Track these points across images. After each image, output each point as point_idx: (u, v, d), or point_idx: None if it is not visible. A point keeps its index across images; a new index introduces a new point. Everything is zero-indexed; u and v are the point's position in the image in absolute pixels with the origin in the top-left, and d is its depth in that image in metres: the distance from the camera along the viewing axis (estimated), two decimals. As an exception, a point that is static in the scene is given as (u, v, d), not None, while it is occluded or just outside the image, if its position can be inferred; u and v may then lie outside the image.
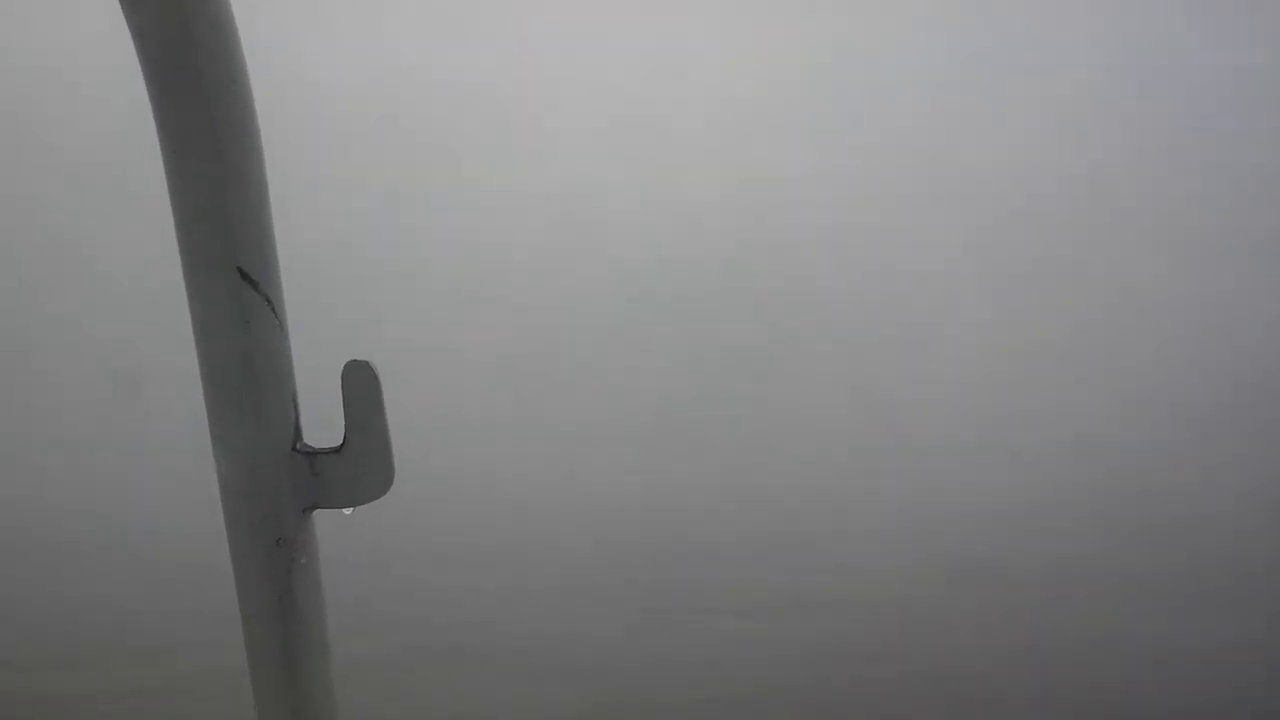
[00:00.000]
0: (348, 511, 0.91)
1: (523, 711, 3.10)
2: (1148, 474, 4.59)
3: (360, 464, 0.89)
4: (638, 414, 4.91)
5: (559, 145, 7.89)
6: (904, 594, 3.76)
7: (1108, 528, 4.23)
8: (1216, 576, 3.96)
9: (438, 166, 7.46)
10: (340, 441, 0.90)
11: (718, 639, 3.35)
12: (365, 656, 3.21)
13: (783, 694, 3.23)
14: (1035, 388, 5.20)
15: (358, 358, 0.90)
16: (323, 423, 0.94)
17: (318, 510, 0.91)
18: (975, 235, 6.73)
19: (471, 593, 3.63)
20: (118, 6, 0.84)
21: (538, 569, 3.87)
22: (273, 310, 0.87)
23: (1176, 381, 5.39)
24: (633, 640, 3.44)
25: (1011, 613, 3.61)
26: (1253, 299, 6.29)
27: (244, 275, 0.86)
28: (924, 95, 8.00)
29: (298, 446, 0.90)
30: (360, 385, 0.89)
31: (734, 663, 3.30)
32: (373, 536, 4.00)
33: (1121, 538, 4.14)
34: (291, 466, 0.89)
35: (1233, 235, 7.03)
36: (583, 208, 6.96)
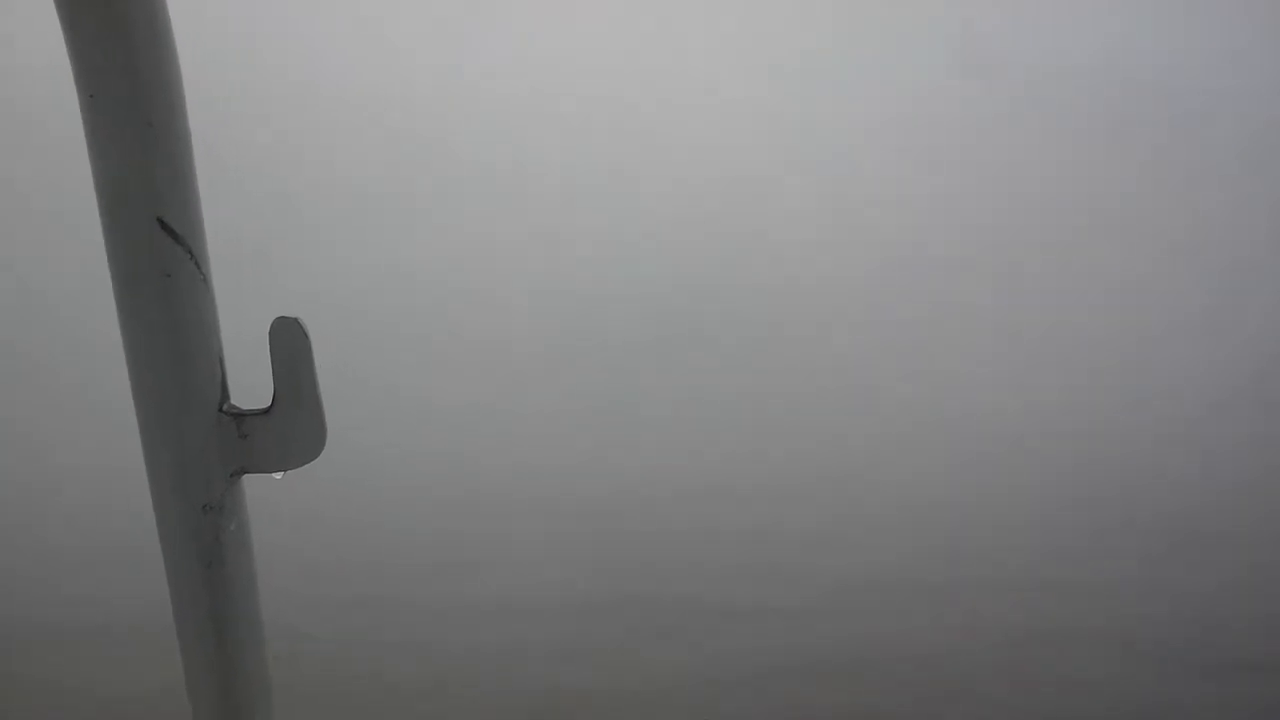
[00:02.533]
0: (278, 476, 0.87)
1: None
2: (1151, 473, 4.54)
3: (290, 426, 0.85)
4: (619, 408, 4.86)
5: (540, 136, 7.83)
6: (903, 593, 3.71)
7: (1111, 525, 4.18)
8: (1220, 577, 3.91)
9: (419, 161, 7.40)
10: (269, 403, 0.85)
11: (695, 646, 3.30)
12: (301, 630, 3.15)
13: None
14: (1037, 389, 5.15)
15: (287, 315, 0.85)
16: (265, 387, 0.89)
17: (247, 475, 0.87)
18: (974, 233, 6.67)
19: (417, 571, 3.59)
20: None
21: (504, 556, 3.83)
22: (195, 264, 0.82)
23: (1182, 378, 5.34)
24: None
25: (1010, 611, 3.56)
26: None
27: (164, 226, 0.81)
28: (920, 92, 8.01)
29: (224, 408, 0.85)
30: (289, 343, 0.84)
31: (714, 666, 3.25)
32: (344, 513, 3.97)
33: (1126, 537, 4.09)
34: (218, 429, 0.85)
35: (1240, 231, 6.96)
36: (569, 201, 6.90)
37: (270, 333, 0.84)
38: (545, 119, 8.07)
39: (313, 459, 0.86)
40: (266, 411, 0.85)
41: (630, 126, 8.06)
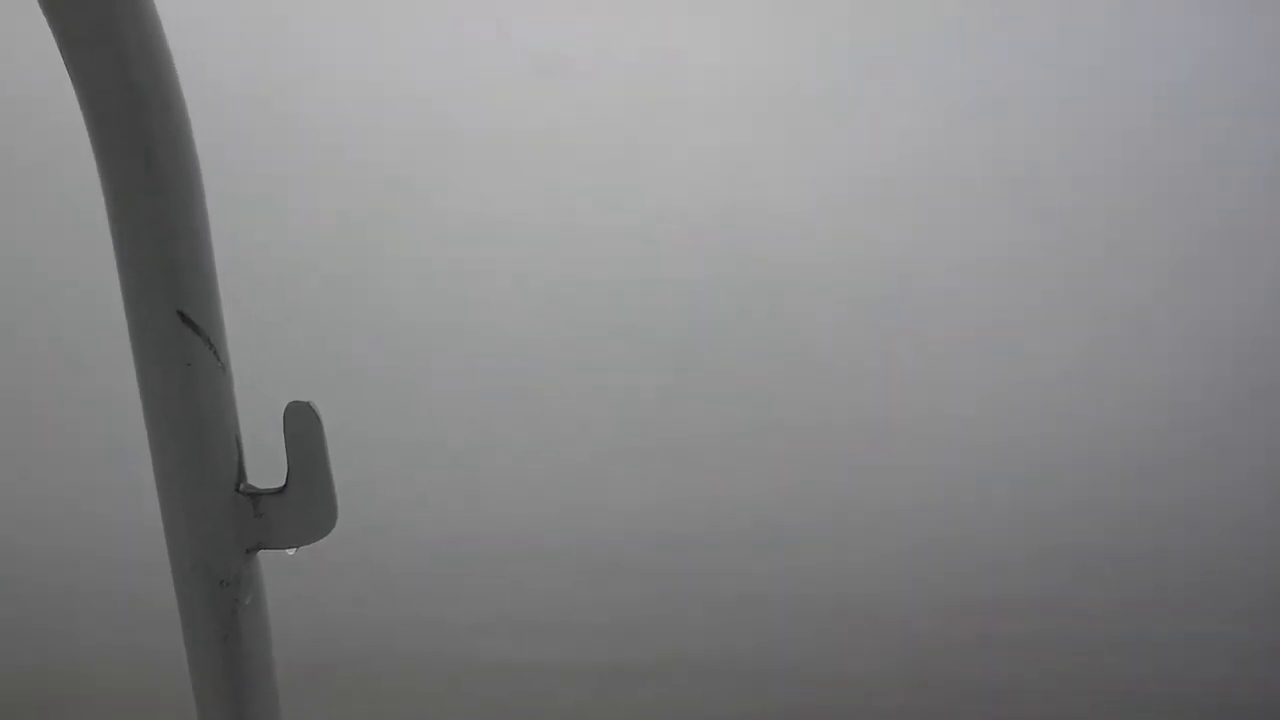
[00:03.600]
0: (290, 552, 0.92)
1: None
2: (1159, 474, 4.58)
3: (303, 505, 0.90)
4: (632, 434, 4.89)
5: (542, 158, 7.89)
6: (907, 600, 3.74)
7: (1121, 531, 4.22)
8: (1225, 576, 3.95)
9: (412, 177, 7.45)
10: (283, 482, 0.91)
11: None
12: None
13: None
14: (1044, 397, 5.18)
15: (299, 399, 0.90)
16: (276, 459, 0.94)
17: (262, 550, 0.92)
18: (989, 248, 6.70)
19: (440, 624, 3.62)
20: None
21: (530, 590, 3.86)
22: (214, 353, 0.88)
23: (1189, 384, 5.38)
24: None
25: (1018, 616, 3.59)
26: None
27: (185, 319, 0.87)
28: (932, 106, 8.05)
29: (241, 488, 0.91)
30: (302, 426, 0.90)
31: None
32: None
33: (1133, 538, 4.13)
34: (234, 508, 0.90)
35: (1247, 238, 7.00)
36: (569, 221, 6.94)
37: (284, 416, 0.89)
38: (566, 148, 8.12)
39: (324, 535, 0.91)
40: (281, 491, 0.90)
41: (645, 151, 8.11)
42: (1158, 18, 10.88)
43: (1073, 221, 7.09)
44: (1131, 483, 4.63)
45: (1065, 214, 7.17)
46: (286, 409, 0.89)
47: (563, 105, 8.74)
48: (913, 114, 8.43)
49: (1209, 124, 8.79)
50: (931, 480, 4.60)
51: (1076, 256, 6.66)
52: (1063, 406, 5.21)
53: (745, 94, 8.98)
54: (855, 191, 7.45)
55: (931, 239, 6.77)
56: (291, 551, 0.92)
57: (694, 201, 7.34)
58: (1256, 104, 9.05)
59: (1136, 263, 6.63)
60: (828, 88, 9.12)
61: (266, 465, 1.00)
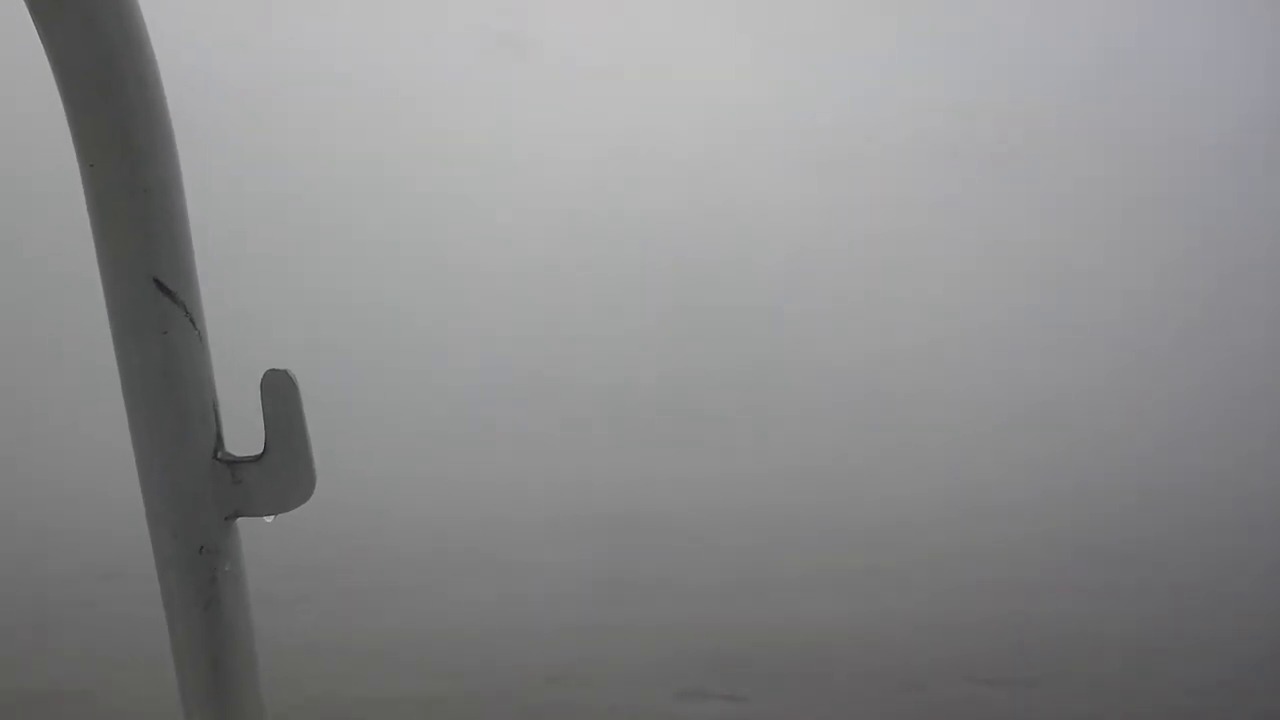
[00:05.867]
0: (269, 519, 0.93)
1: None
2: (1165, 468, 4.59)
3: (281, 472, 0.91)
4: (626, 421, 4.91)
5: (542, 150, 7.88)
6: (910, 594, 3.75)
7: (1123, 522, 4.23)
8: (1231, 572, 3.96)
9: (411, 168, 7.45)
10: (261, 450, 0.91)
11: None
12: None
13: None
14: (1045, 389, 5.19)
15: (277, 366, 0.91)
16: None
17: (241, 518, 0.93)
18: (989, 235, 6.70)
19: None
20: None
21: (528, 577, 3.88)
22: (190, 320, 0.89)
23: (1192, 375, 5.38)
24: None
25: (1016, 612, 3.61)
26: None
27: (160, 286, 0.87)
28: (929, 96, 8.00)
29: (219, 455, 0.91)
30: (279, 394, 0.90)
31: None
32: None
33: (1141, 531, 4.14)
34: (213, 475, 0.91)
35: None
36: (567, 215, 6.94)
37: (262, 384, 0.90)
38: (564, 139, 8.11)
39: (303, 503, 0.92)
40: (258, 459, 0.91)
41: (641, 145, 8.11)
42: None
43: (1076, 219, 7.09)
44: (1146, 485, 4.63)
45: (1068, 212, 7.17)
46: (264, 377, 0.90)
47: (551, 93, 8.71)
48: (914, 110, 8.40)
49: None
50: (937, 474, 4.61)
51: (1080, 254, 6.66)
52: (1067, 410, 5.22)
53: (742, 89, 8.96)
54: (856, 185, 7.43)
55: (933, 232, 6.76)
56: (270, 519, 0.92)
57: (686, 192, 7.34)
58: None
59: (1140, 260, 6.63)
60: (827, 79, 9.10)
61: (247, 434, 1.00)
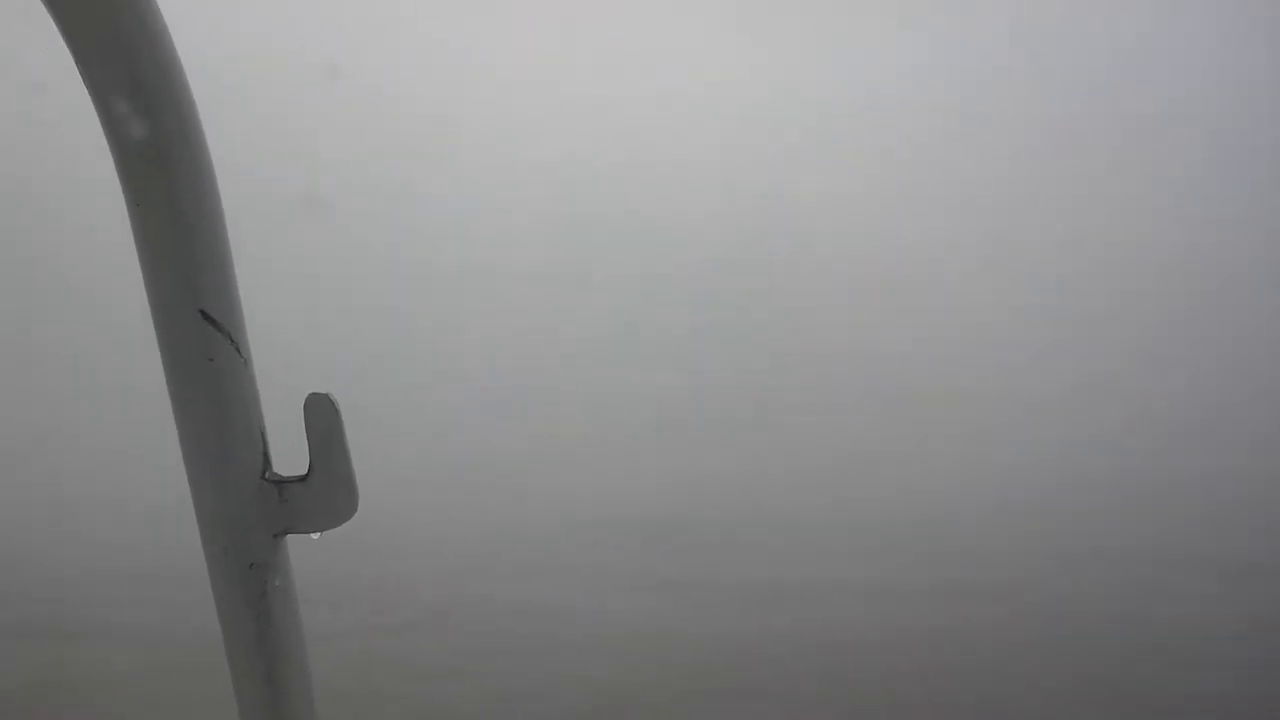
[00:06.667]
0: (315, 536, 0.98)
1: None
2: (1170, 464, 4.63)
3: (325, 492, 0.96)
4: (639, 424, 4.94)
5: (551, 143, 7.89)
6: (912, 589, 3.79)
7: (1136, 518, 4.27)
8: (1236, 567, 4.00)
9: (410, 168, 7.46)
10: (306, 470, 0.96)
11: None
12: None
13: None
14: (1052, 385, 5.23)
15: (318, 390, 0.96)
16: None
17: (290, 535, 0.98)
18: (991, 238, 6.74)
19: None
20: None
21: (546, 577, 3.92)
22: (236, 348, 0.94)
23: (1194, 373, 5.42)
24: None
25: (1019, 608, 3.64)
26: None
27: (206, 316, 0.93)
28: (935, 100, 8.03)
29: (266, 475, 0.96)
30: (321, 417, 0.95)
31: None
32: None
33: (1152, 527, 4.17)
34: (260, 495, 0.96)
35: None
36: (581, 213, 6.97)
37: (305, 407, 0.95)
38: (575, 134, 8.14)
39: (347, 520, 0.97)
40: (303, 479, 0.96)
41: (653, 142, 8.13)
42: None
43: (1078, 217, 7.13)
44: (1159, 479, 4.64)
45: (1073, 211, 7.20)
46: (306, 401, 0.95)
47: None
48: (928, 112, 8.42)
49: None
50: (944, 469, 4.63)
51: (1082, 250, 6.68)
52: (1080, 406, 5.25)
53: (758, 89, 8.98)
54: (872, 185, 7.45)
55: (948, 232, 6.78)
56: (316, 535, 0.98)
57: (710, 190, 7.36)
58: None
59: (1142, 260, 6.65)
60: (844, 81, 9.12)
61: (293, 453, 1.05)
